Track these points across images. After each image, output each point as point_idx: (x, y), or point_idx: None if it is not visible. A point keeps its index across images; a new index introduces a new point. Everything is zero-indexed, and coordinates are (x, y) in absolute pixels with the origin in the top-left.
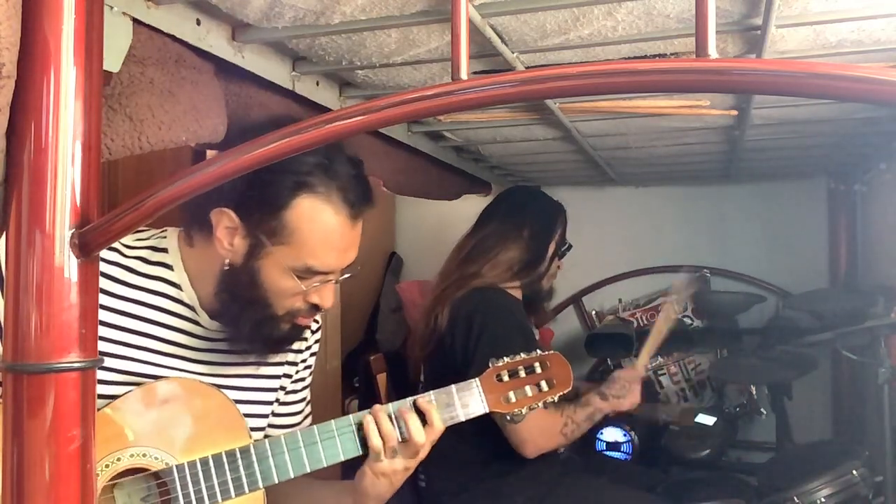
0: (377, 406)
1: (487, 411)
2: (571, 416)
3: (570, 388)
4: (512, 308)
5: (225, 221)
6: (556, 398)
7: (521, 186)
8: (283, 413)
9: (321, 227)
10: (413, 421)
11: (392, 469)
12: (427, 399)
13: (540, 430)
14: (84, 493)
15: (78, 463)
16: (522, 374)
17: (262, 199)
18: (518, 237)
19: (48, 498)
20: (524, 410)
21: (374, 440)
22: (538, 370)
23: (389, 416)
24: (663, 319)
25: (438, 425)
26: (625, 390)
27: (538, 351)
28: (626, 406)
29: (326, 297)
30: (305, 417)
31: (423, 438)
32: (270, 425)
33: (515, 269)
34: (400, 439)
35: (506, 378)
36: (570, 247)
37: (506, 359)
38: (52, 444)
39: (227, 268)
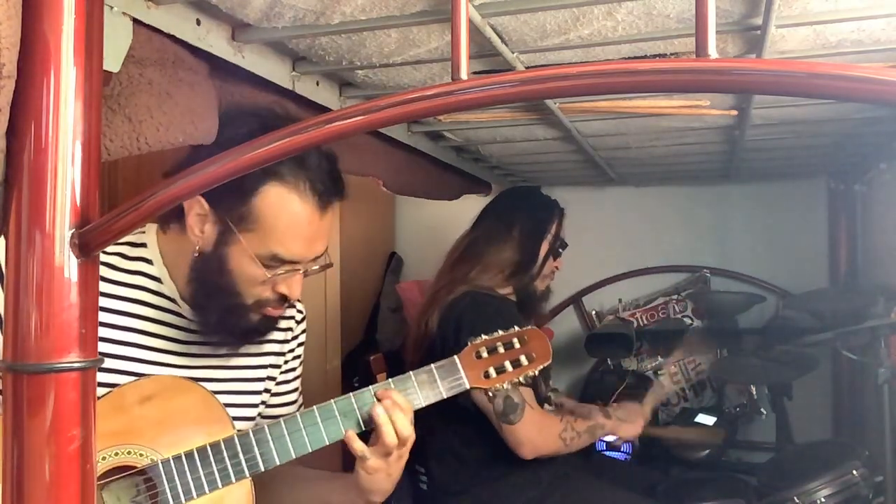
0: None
1: (468, 387)
2: (572, 423)
3: (549, 362)
4: (502, 311)
5: (196, 208)
6: (536, 372)
7: (516, 187)
8: (276, 403)
9: (288, 215)
10: (398, 416)
11: (385, 463)
12: (385, 387)
13: (538, 431)
14: (84, 493)
15: (78, 463)
16: (501, 349)
17: (231, 186)
18: (508, 238)
19: (48, 498)
20: (505, 385)
21: (357, 447)
22: (517, 345)
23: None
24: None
25: (406, 405)
26: (630, 418)
27: (516, 327)
28: (626, 433)
29: (294, 287)
30: (298, 407)
31: (409, 430)
32: (263, 416)
33: (507, 272)
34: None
35: (485, 354)
36: (565, 245)
37: (483, 336)
38: (52, 444)
39: (197, 255)
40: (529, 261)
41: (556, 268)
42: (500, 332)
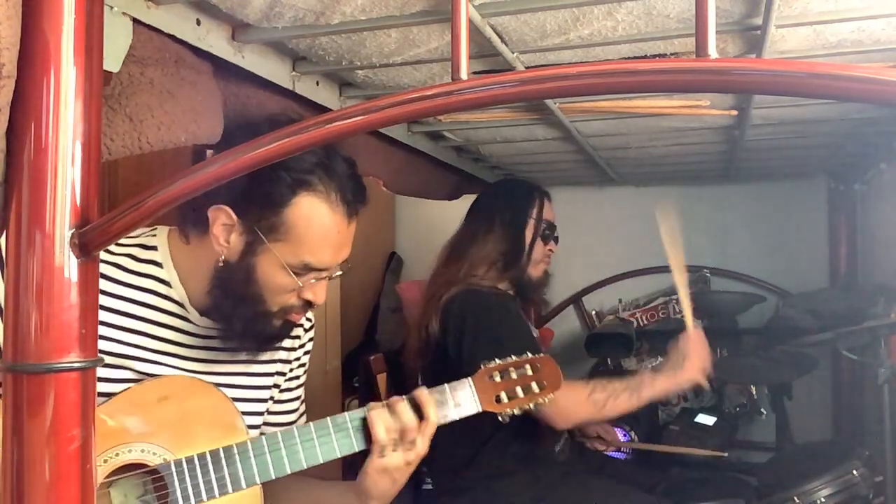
0: (373, 403)
1: (480, 410)
2: (602, 384)
3: (559, 391)
4: (499, 306)
5: (222, 218)
6: (546, 400)
7: (498, 181)
8: (279, 411)
9: (319, 225)
10: (407, 413)
11: (393, 465)
12: (423, 392)
13: (563, 399)
14: (84, 493)
15: (78, 463)
16: (514, 374)
17: (261, 197)
18: (491, 231)
19: (48, 498)
20: (515, 411)
21: (380, 433)
22: (529, 372)
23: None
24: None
25: (433, 419)
26: (680, 360)
27: (529, 353)
28: (691, 374)
29: (319, 293)
30: (301, 416)
31: (417, 433)
32: (266, 423)
33: (499, 266)
34: (397, 433)
35: (498, 378)
36: (553, 227)
37: (497, 360)
38: (52, 444)
39: (221, 265)
40: (517, 249)
41: (551, 251)
42: (514, 358)
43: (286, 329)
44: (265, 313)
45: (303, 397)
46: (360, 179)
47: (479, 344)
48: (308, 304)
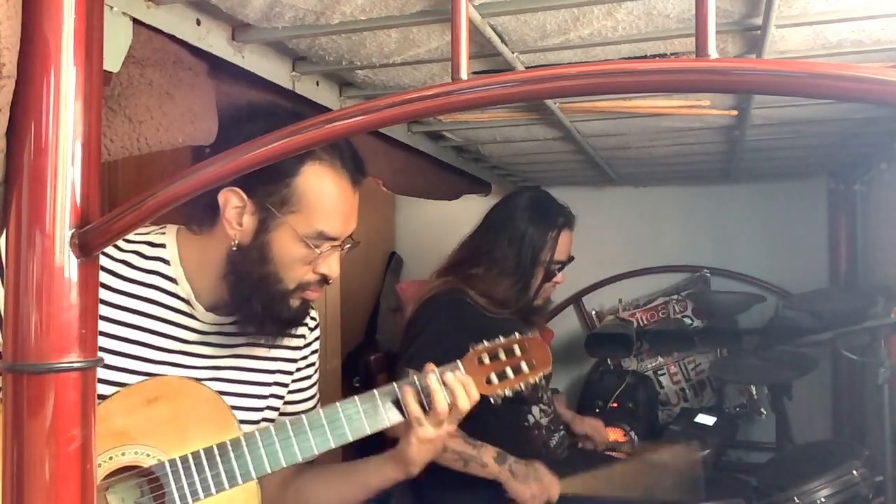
0: (407, 386)
1: None
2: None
3: (549, 369)
4: (463, 319)
5: (234, 201)
6: (537, 379)
7: (524, 192)
8: (291, 412)
9: (329, 192)
10: (459, 390)
11: (436, 435)
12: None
13: None
14: (84, 493)
15: (78, 463)
16: (503, 356)
17: (269, 172)
18: (500, 262)
19: (48, 498)
20: (507, 392)
21: (414, 409)
22: (517, 352)
23: (418, 391)
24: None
25: (475, 394)
26: (529, 478)
27: (517, 334)
28: (519, 491)
29: (333, 266)
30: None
31: (469, 404)
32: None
33: (498, 297)
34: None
35: (487, 361)
36: (565, 264)
37: (485, 343)
38: (52, 444)
39: (234, 248)
40: (521, 290)
41: (557, 282)
42: (501, 339)
43: (303, 310)
44: (282, 293)
45: (318, 396)
46: (357, 152)
47: (417, 348)
48: (323, 280)
